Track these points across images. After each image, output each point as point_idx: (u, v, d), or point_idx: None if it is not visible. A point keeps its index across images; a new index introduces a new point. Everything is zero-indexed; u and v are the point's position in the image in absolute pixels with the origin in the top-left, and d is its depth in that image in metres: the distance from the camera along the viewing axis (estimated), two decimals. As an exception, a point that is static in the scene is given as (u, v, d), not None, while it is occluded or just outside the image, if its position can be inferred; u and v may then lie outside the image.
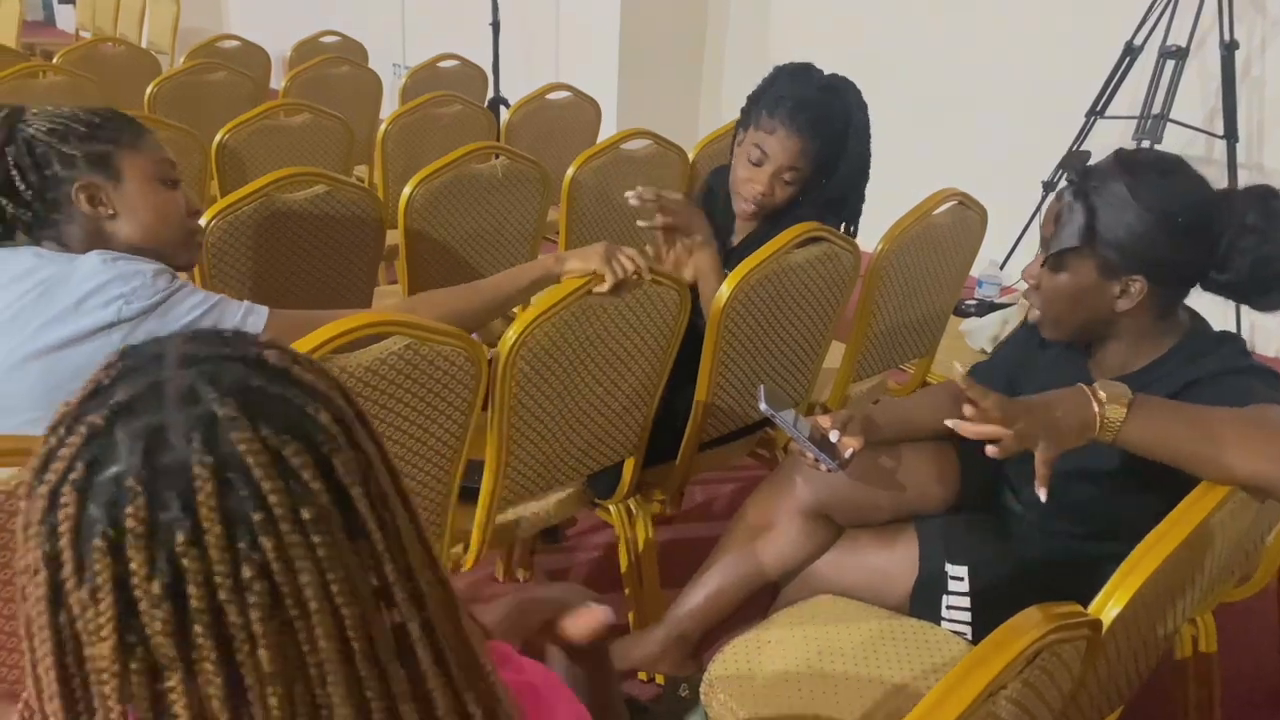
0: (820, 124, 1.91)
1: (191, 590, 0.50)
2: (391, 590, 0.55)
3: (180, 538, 0.49)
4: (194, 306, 1.29)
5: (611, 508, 1.90)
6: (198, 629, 0.50)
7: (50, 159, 1.30)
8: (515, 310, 1.68)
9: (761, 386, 1.52)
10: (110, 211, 1.33)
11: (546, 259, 1.61)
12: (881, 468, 1.56)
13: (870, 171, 2.02)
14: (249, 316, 1.36)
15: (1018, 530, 1.54)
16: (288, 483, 0.51)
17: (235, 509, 0.50)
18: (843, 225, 2.04)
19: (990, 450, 1.22)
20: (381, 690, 0.54)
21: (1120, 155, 1.36)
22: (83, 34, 6.86)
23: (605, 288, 1.54)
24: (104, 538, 0.49)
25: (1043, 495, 1.23)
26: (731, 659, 1.43)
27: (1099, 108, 3.41)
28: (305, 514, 0.51)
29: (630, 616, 1.94)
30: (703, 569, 1.63)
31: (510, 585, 2.24)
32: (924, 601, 1.50)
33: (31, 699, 0.53)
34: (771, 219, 1.99)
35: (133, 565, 0.49)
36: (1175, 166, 1.35)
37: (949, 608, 1.49)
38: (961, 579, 1.48)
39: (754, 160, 1.93)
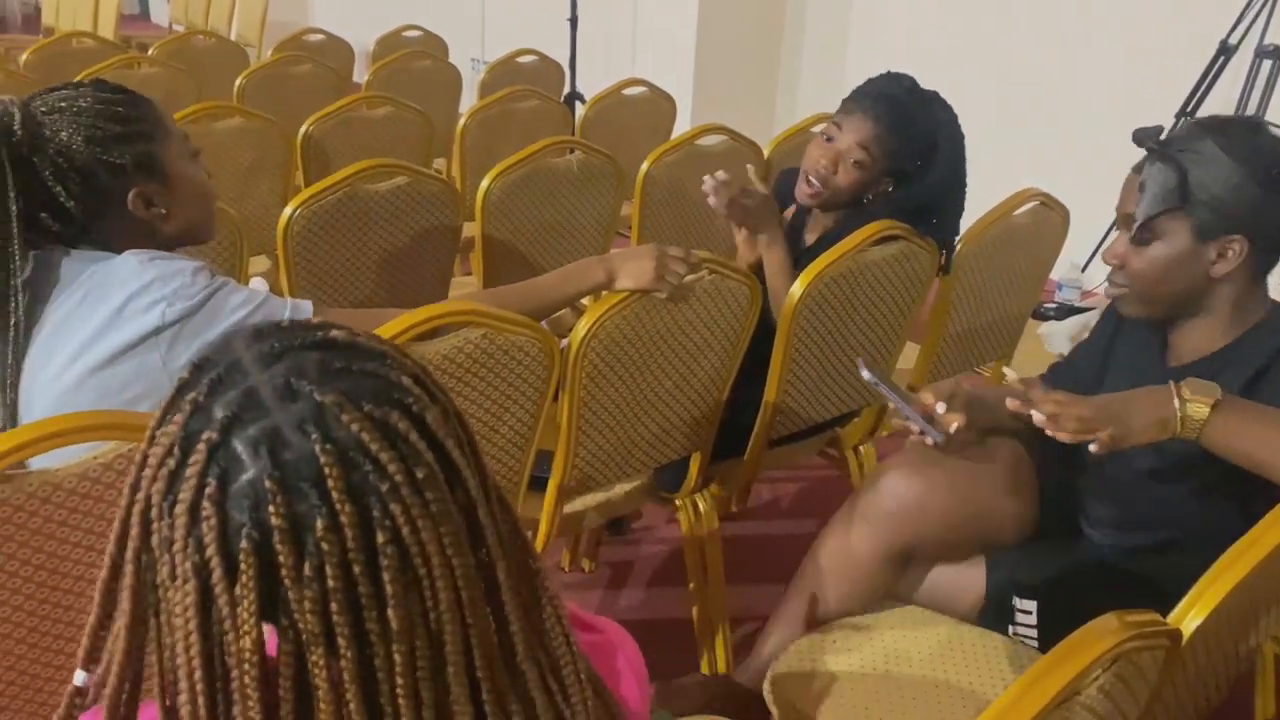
0: (899, 119, 1.85)
1: (329, 570, 0.53)
2: (484, 533, 0.59)
3: (321, 524, 0.53)
4: (239, 305, 1.24)
5: (677, 502, 1.91)
6: (333, 605, 0.54)
7: (96, 170, 1.22)
8: (585, 301, 1.69)
9: (860, 358, 1.47)
10: (163, 211, 1.29)
11: (598, 269, 1.56)
12: (965, 507, 1.48)
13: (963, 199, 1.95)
14: (295, 314, 1.31)
15: (1090, 557, 1.49)
16: (399, 449, 0.55)
17: (361, 484, 0.54)
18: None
19: (1051, 430, 1.19)
20: (483, 638, 0.58)
21: (1200, 119, 1.31)
22: (175, 27, 7.08)
23: (664, 296, 1.54)
24: (249, 539, 0.53)
25: (1094, 447, 1.18)
26: (795, 658, 1.42)
27: (1188, 109, 3.30)
28: (419, 473, 0.55)
29: (694, 611, 1.95)
30: (775, 616, 1.56)
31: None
32: (989, 625, 1.47)
33: (178, 701, 0.56)
34: (846, 219, 1.96)
35: (281, 558, 0.53)
36: (1262, 124, 1.30)
37: (1015, 634, 1.45)
38: (1030, 613, 1.44)
39: (827, 137, 1.90)
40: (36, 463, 0.98)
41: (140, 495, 0.56)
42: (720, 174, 1.82)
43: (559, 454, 1.59)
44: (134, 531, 0.57)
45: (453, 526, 0.56)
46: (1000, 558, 1.49)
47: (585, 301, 1.67)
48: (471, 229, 2.35)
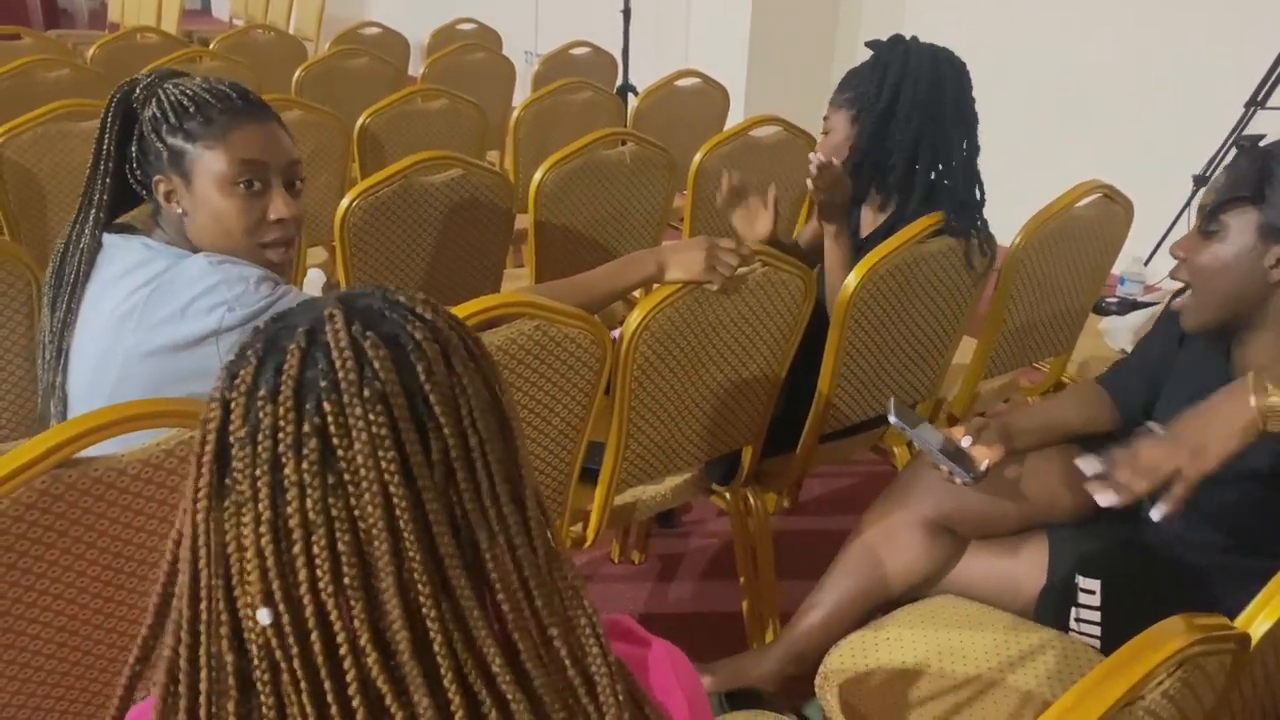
0: (854, 73, 1.91)
1: (259, 438, 0.58)
2: (461, 495, 0.60)
3: (262, 392, 0.59)
4: None
5: (728, 495, 1.90)
6: (258, 472, 0.58)
7: (148, 149, 1.29)
8: (637, 294, 1.69)
9: (891, 399, 1.49)
10: (180, 210, 1.30)
11: (649, 262, 1.56)
12: (1008, 477, 1.50)
13: (974, 149, 1.90)
14: None
15: (1156, 542, 1.46)
16: (360, 366, 0.59)
17: (309, 378, 0.59)
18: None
19: (1114, 499, 1.17)
20: (431, 577, 0.59)
21: None
22: (236, 22, 7.21)
23: (715, 288, 1.54)
24: (220, 393, 0.61)
25: (1155, 515, 1.15)
26: (848, 653, 1.41)
27: (1260, 98, 3.20)
28: (365, 391, 0.58)
29: (744, 605, 1.94)
30: (821, 583, 1.57)
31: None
32: (1050, 611, 1.45)
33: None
34: (895, 216, 1.93)
35: (232, 415, 0.60)
36: None
37: (1078, 620, 1.43)
38: (1093, 592, 1.42)
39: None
40: (97, 450, 1.00)
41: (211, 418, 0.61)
42: (818, 157, 1.81)
43: (610, 446, 1.59)
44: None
45: (396, 456, 0.58)
46: (1062, 537, 1.48)
47: (637, 294, 1.67)
48: (524, 221, 2.36)
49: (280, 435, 0.58)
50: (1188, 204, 3.38)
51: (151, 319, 1.23)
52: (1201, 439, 1.14)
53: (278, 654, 0.57)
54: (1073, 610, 1.43)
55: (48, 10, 8.25)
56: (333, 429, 0.58)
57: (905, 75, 1.85)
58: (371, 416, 0.58)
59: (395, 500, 0.58)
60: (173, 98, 1.28)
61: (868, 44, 1.95)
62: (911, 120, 1.84)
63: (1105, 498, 1.18)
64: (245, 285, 1.24)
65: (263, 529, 0.57)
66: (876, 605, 1.54)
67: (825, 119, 1.94)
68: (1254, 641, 0.94)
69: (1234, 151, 3.19)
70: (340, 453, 0.57)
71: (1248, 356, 1.34)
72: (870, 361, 1.84)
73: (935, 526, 1.50)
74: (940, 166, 1.89)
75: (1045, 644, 1.42)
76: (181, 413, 1.03)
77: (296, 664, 0.57)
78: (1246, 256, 1.28)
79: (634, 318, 1.49)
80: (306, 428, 0.57)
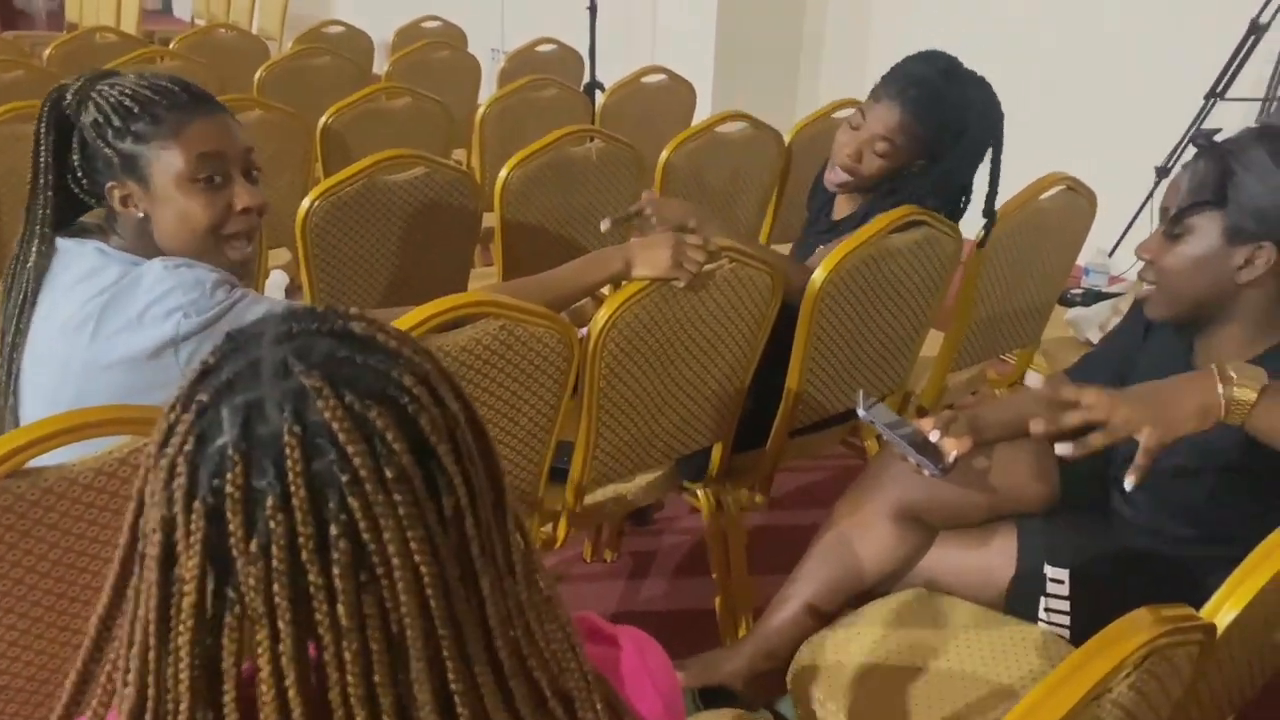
0: (926, 104, 1.82)
1: (274, 551, 0.53)
2: (469, 545, 0.57)
3: (270, 501, 0.53)
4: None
5: (700, 492, 1.89)
6: (276, 587, 0.53)
7: (95, 156, 1.25)
8: (605, 291, 1.68)
9: (860, 391, 1.49)
10: (140, 214, 1.26)
11: (615, 259, 1.55)
12: (976, 467, 1.50)
13: (996, 186, 1.92)
14: None
15: (1123, 533, 1.48)
16: (371, 445, 0.54)
17: (323, 472, 0.54)
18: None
19: (1079, 445, 1.17)
20: (457, 650, 0.56)
21: (1261, 127, 1.30)
22: (197, 21, 7.12)
23: (682, 284, 1.53)
24: (203, 503, 0.54)
25: (1128, 484, 1.15)
26: (820, 648, 1.41)
27: (1219, 89, 3.24)
28: (389, 473, 0.54)
29: (717, 602, 1.94)
30: (792, 577, 1.56)
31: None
32: (1020, 601, 1.45)
33: (131, 653, 0.57)
34: (874, 201, 1.93)
35: (231, 527, 0.53)
36: None
37: (1047, 609, 1.44)
38: (1062, 581, 1.43)
39: (853, 125, 1.88)
40: (50, 458, 0.98)
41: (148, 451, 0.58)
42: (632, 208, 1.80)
43: (579, 445, 1.58)
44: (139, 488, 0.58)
45: (423, 533, 0.55)
46: (1030, 526, 1.48)
47: (605, 291, 1.66)
48: (491, 219, 2.34)
49: (300, 539, 0.53)
50: (1150, 195, 3.41)
51: (108, 329, 1.20)
52: (1165, 410, 1.14)
53: None
54: (1042, 600, 1.43)
55: (4, 11, 8.12)
56: (363, 525, 0.53)
57: (978, 131, 1.85)
58: (398, 497, 0.54)
59: (426, 580, 0.55)
60: (112, 100, 1.24)
61: (932, 56, 1.88)
62: (961, 175, 1.88)
63: (1063, 448, 1.18)
64: (200, 290, 1.21)
65: (283, 644, 0.54)
66: (848, 598, 1.54)
67: (890, 141, 1.84)
68: (1220, 631, 0.95)
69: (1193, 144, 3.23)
70: (372, 548, 0.54)
71: (1212, 351, 1.36)
72: (839, 355, 1.84)
73: (904, 518, 1.50)
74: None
75: (1015, 635, 1.42)
76: (135, 420, 1.01)
77: None
78: (1212, 258, 1.29)
79: (601, 315, 1.48)
80: (334, 530, 0.53)
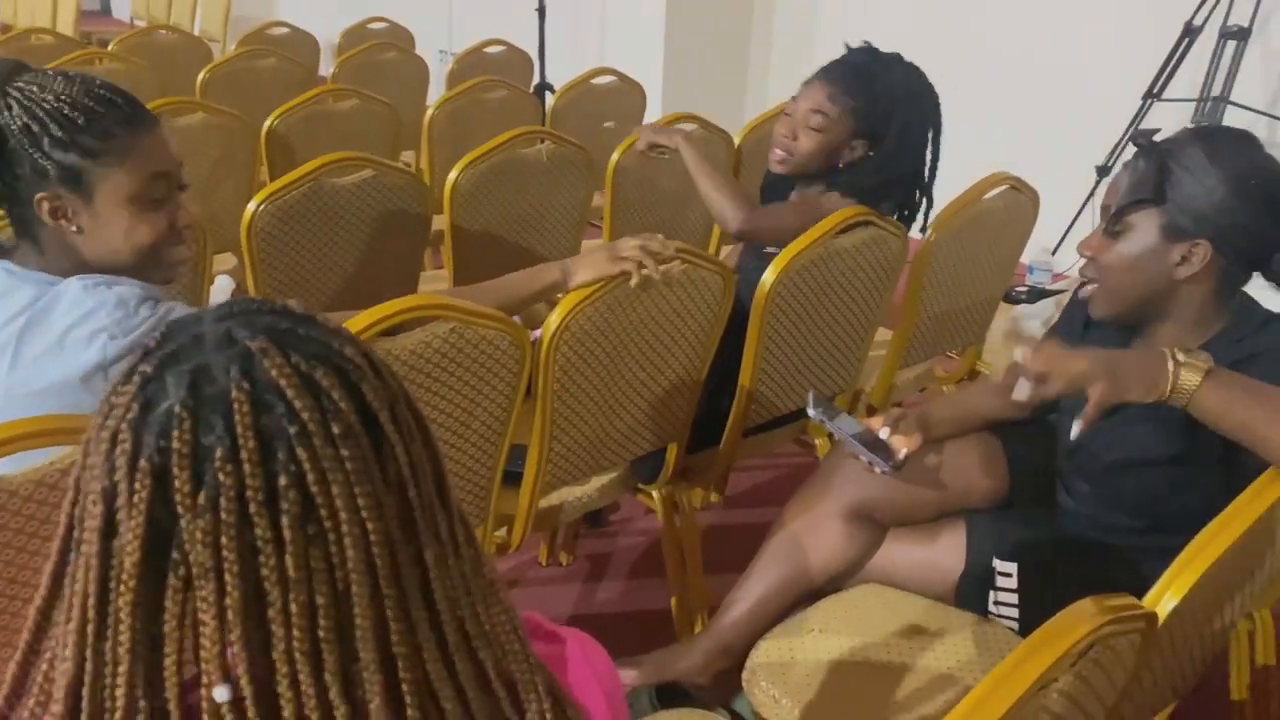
0: (853, 78, 1.90)
1: (222, 503, 0.53)
2: (413, 514, 0.58)
3: (219, 452, 0.53)
4: None
5: (655, 493, 1.90)
6: (224, 539, 0.54)
7: (21, 159, 1.16)
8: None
9: (811, 392, 1.50)
10: (74, 228, 1.19)
11: (554, 269, 1.55)
12: (925, 465, 1.53)
13: (936, 170, 1.98)
14: None
15: (1069, 526, 1.51)
16: (319, 400, 0.55)
17: (271, 426, 0.54)
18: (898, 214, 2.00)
19: (1029, 390, 1.19)
20: (401, 612, 0.57)
21: (1196, 127, 1.34)
22: (137, 22, 6.97)
23: (635, 282, 1.52)
24: (149, 462, 0.54)
25: (1074, 430, 1.19)
26: (774, 646, 1.42)
27: (1156, 90, 3.32)
28: (335, 429, 0.55)
29: (673, 602, 1.94)
30: (746, 575, 1.57)
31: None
32: (969, 595, 1.48)
33: (69, 628, 0.56)
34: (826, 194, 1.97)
35: (178, 484, 0.53)
36: (1252, 138, 1.32)
37: (996, 602, 1.46)
38: (1010, 575, 1.45)
39: (788, 112, 1.97)
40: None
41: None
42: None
43: (533, 448, 1.58)
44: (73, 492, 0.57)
45: (370, 490, 0.56)
46: (979, 521, 1.51)
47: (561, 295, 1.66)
48: (441, 221, 2.32)
49: (249, 492, 0.53)
50: (1092, 194, 3.48)
51: (27, 355, 1.13)
52: (1118, 371, 1.18)
53: None
54: (991, 594, 1.46)
55: (-66, 12, 7.87)
56: (311, 477, 0.54)
57: (914, 109, 1.91)
58: (345, 452, 0.55)
59: (373, 538, 0.56)
60: (48, 105, 1.16)
61: (864, 46, 1.95)
62: (908, 159, 1.94)
63: (1020, 390, 1.22)
64: (125, 309, 1.15)
65: (230, 599, 0.54)
66: (801, 595, 1.55)
67: (820, 113, 1.90)
68: (1161, 620, 0.97)
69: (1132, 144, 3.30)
70: (320, 500, 0.54)
71: (1148, 346, 1.39)
72: (790, 355, 1.86)
73: (856, 515, 1.52)
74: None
75: (965, 628, 1.45)
76: (75, 430, 0.99)
77: None
78: (1151, 255, 1.32)
79: (554, 318, 1.48)
80: (283, 480, 0.54)
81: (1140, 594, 1.00)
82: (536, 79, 4.41)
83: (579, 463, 1.68)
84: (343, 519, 0.55)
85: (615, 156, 2.53)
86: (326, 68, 4.15)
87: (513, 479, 1.61)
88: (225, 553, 0.53)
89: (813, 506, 1.55)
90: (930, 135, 1.96)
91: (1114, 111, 3.41)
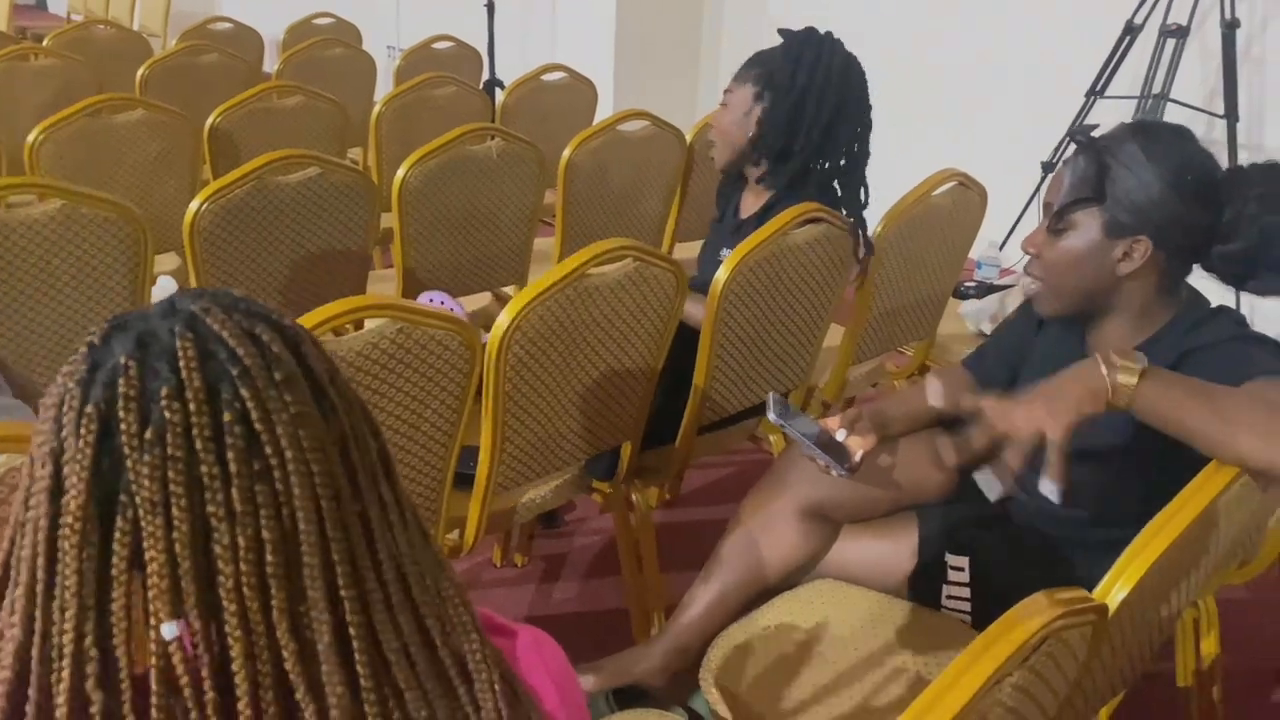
0: (767, 58, 1.96)
1: (169, 438, 0.55)
2: (355, 469, 0.60)
3: (165, 390, 0.55)
4: None
5: (609, 492, 1.89)
6: (171, 473, 0.55)
7: None
8: (510, 290, 1.66)
9: (770, 394, 1.50)
10: None
11: None
12: (878, 462, 1.53)
13: (866, 149, 1.99)
14: None
15: (1019, 519, 1.52)
16: (260, 350, 0.58)
17: (216, 369, 0.56)
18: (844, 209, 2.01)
19: (1000, 490, 1.19)
20: (346, 555, 0.58)
21: (1134, 122, 1.35)
22: (74, 17, 6.80)
23: None
24: (96, 407, 0.55)
25: (1053, 495, 1.16)
26: (731, 644, 1.41)
27: (1099, 88, 3.38)
28: (278, 374, 0.57)
29: (629, 601, 1.93)
30: (702, 575, 1.57)
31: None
32: (922, 589, 1.49)
33: (10, 596, 0.57)
34: (777, 198, 1.97)
35: (124, 425, 0.55)
36: (1187, 133, 1.34)
37: (949, 596, 1.47)
38: (962, 569, 1.46)
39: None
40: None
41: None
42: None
43: (484, 449, 1.56)
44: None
45: (315, 431, 0.58)
46: (930, 516, 1.52)
47: (509, 290, 1.65)
48: (390, 220, 2.29)
49: (195, 429, 0.55)
50: (1038, 189, 3.54)
51: None
52: (1055, 401, 1.17)
53: (179, 669, 0.55)
54: (943, 587, 1.47)
55: None
56: (255, 414, 0.56)
57: (818, 66, 1.92)
58: (288, 397, 0.57)
59: (318, 479, 0.57)
60: None
61: (780, 31, 1.99)
62: (821, 115, 1.92)
63: (993, 490, 1.20)
64: None
65: (178, 531, 0.55)
66: (757, 593, 1.55)
67: (727, 92, 2.00)
68: (1111, 611, 0.98)
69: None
70: (264, 437, 0.56)
71: (1101, 341, 1.40)
72: (744, 352, 1.86)
73: (810, 513, 1.52)
74: (833, 163, 1.97)
75: (919, 622, 1.46)
76: (11, 437, 0.95)
77: (205, 672, 0.55)
78: (1094, 252, 1.33)
79: (504, 318, 1.46)
80: (228, 416, 0.55)
81: (1089, 585, 1.01)
82: (486, 75, 4.37)
83: (532, 463, 1.66)
84: (288, 456, 0.56)
85: (566, 153, 2.51)
86: (271, 64, 4.08)
87: (465, 480, 1.59)
88: (173, 486, 0.55)
89: (767, 505, 1.55)
90: (833, 75, 1.92)
91: (1059, 109, 3.46)
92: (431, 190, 2.27)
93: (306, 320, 1.24)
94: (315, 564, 0.57)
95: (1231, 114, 3.15)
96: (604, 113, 3.21)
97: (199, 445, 0.55)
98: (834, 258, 1.89)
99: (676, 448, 1.89)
